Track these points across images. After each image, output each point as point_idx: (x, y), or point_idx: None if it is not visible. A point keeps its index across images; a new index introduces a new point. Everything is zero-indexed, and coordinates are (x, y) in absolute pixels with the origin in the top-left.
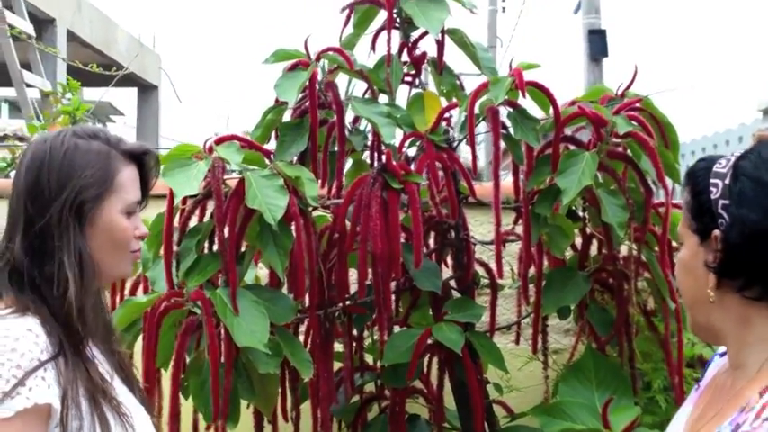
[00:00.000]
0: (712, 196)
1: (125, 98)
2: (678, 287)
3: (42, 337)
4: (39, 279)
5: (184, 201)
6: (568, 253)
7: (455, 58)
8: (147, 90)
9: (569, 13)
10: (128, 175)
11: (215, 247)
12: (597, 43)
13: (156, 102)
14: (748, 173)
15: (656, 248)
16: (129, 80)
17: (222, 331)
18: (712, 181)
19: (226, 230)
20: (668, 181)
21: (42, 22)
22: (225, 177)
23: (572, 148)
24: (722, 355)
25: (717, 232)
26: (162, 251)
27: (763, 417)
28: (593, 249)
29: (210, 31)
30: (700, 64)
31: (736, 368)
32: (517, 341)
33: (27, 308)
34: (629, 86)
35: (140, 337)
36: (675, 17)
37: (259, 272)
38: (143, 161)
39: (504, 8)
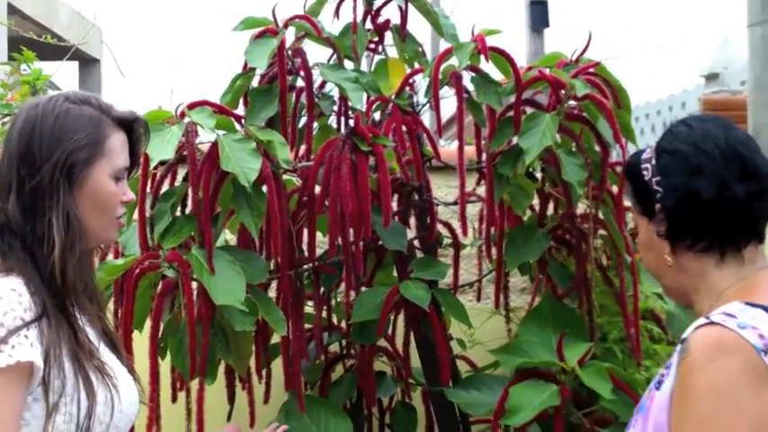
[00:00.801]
0: (646, 178)
1: (66, 73)
2: (645, 267)
3: (26, 297)
4: (30, 238)
5: (156, 166)
6: (527, 212)
7: (418, 26)
8: (88, 64)
9: None
10: (117, 141)
11: (188, 210)
12: (538, 14)
13: (98, 76)
14: (665, 148)
15: (613, 207)
16: (71, 54)
17: (198, 291)
18: (643, 166)
19: (200, 193)
20: (624, 141)
21: None
22: (197, 142)
23: (532, 110)
24: None
25: (658, 205)
26: (135, 215)
27: (667, 364)
28: (551, 209)
29: (153, 3)
30: (644, 31)
31: (698, 316)
32: (478, 298)
33: (12, 268)
34: (583, 52)
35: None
36: None
37: (226, 236)
38: (132, 128)
39: None
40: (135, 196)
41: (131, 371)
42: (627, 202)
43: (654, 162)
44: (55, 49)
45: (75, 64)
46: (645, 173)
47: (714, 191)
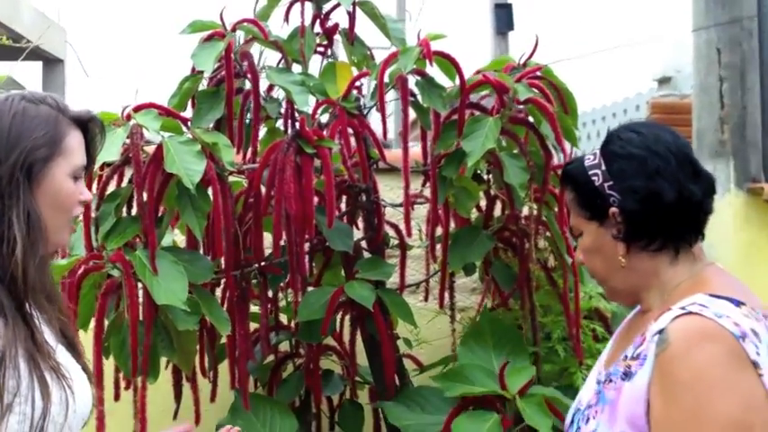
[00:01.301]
0: (596, 184)
1: (29, 73)
2: (590, 271)
3: None
4: None
5: (102, 168)
6: (474, 214)
7: (367, 30)
8: (52, 64)
9: None
10: (74, 140)
11: (134, 212)
12: (503, 17)
13: (61, 76)
14: (618, 153)
15: (555, 208)
16: (34, 54)
17: (141, 291)
18: (591, 173)
19: (144, 195)
20: (567, 144)
21: None
22: (141, 144)
23: (477, 114)
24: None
25: (613, 209)
26: (80, 217)
27: (651, 334)
28: (498, 211)
29: (118, 3)
30: (605, 35)
31: (645, 312)
32: (426, 298)
33: None
34: (530, 56)
35: None
36: None
37: (176, 237)
38: (87, 127)
39: None
40: (89, 197)
41: (86, 371)
42: (570, 220)
43: (604, 167)
44: (17, 49)
45: (39, 64)
46: (595, 178)
47: (674, 192)
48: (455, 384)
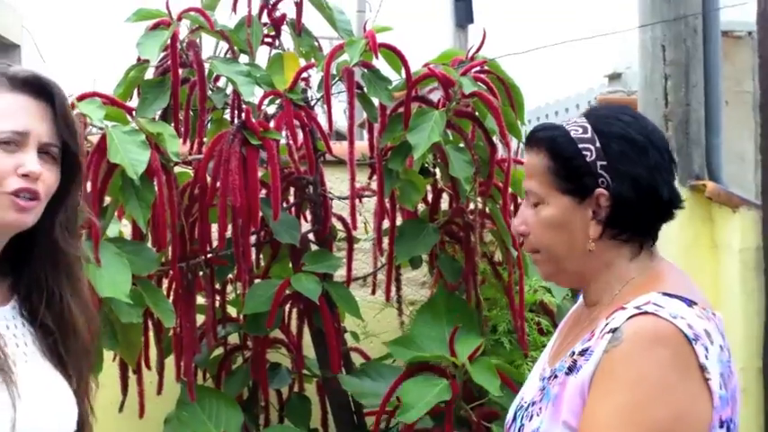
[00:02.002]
0: (587, 159)
1: None
2: (540, 243)
3: None
4: None
5: None
6: (422, 207)
7: (318, 22)
8: (8, 49)
9: None
10: (4, 102)
11: None
12: (463, 10)
13: (17, 61)
14: (619, 134)
15: (500, 202)
16: None
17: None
18: (581, 146)
19: (88, 185)
20: (512, 139)
21: None
22: (86, 134)
23: (423, 107)
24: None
25: (601, 190)
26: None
27: (603, 333)
28: (446, 204)
29: None
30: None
31: (592, 305)
32: (373, 291)
33: None
34: (478, 50)
35: None
36: None
37: (123, 228)
38: (47, 92)
39: None
40: (32, 168)
41: (70, 366)
42: (528, 185)
43: (599, 145)
44: None
45: None
46: (587, 153)
47: (667, 189)
48: (405, 350)
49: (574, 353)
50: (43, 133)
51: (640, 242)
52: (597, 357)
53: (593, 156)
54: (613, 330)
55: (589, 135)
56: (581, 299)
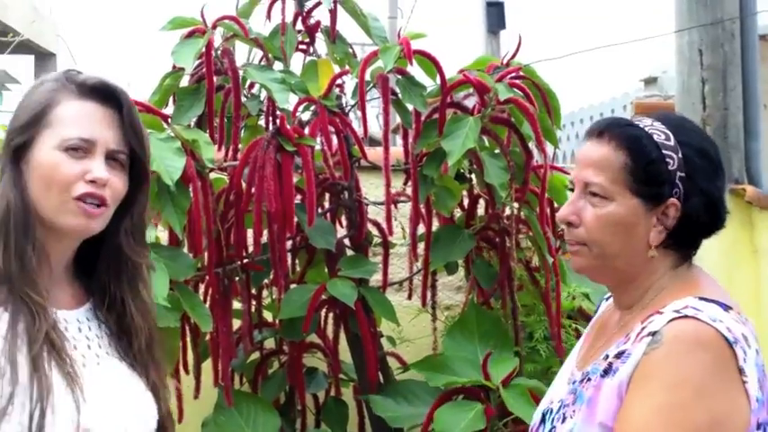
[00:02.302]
0: (670, 167)
1: (21, 66)
2: (592, 238)
3: None
4: None
5: None
6: (458, 212)
7: (352, 28)
8: (44, 58)
9: None
10: (72, 109)
11: None
12: (495, 15)
13: (53, 69)
14: (700, 150)
15: (537, 208)
16: (26, 47)
17: None
18: (666, 152)
19: None
20: (548, 145)
21: None
22: None
23: (458, 113)
24: (607, 298)
25: (674, 201)
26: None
27: (641, 336)
28: (482, 210)
29: None
30: (597, 33)
31: (624, 308)
32: (409, 296)
33: None
34: (513, 56)
35: None
36: None
37: (160, 234)
38: (115, 99)
39: None
40: (100, 174)
41: (142, 367)
42: (595, 178)
43: (680, 155)
44: (8, 43)
45: (31, 58)
46: (669, 161)
47: (724, 209)
48: (438, 375)
49: (608, 356)
50: (111, 140)
51: (684, 253)
52: (636, 359)
53: (675, 165)
54: (652, 333)
55: (672, 143)
56: (605, 303)
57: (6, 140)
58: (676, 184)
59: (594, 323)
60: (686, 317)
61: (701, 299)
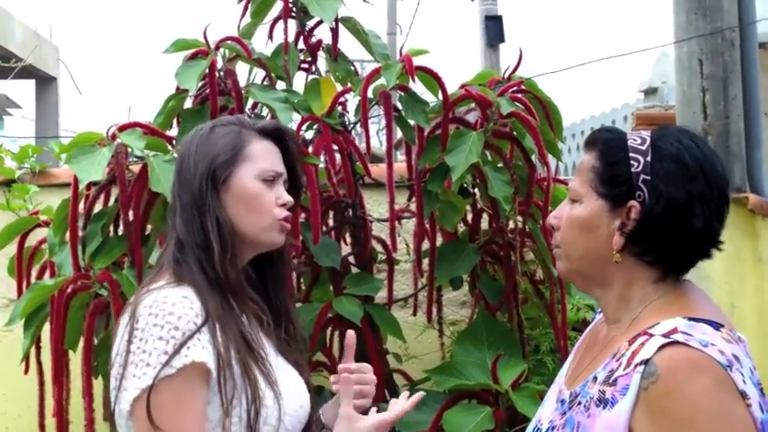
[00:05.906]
0: (633, 169)
1: (23, 91)
2: (562, 239)
3: (197, 303)
4: (196, 248)
5: (89, 187)
6: (462, 227)
7: (353, 45)
8: (45, 82)
9: (467, 0)
10: (260, 147)
11: (120, 231)
12: (493, 29)
13: (54, 94)
14: (671, 154)
15: (541, 221)
16: (27, 72)
17: None
18: (632, 155)
19: (130, 214)
20: (550, 158)
21: None
22: (128, 163)
23: (461, 128)
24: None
25: (634, 203)
26: (68, 236)
27: (634, 363)
28: (486, 224)
29: (110, 21)
30: (596, 45)
31: (612, 323)
32: (414, 312)
33: (182, 278)
34: (515, 69)
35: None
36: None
37: None
38: (281, 138)
39: None
40: (289, 199)
41: (300, 368)
42: (572, 182)
43: (650, 158)
44: (10, 68)
45: (32, 82)
46: (634, 163)
47: (701, 222)
48: (447, 378)
49: (597, 379)
50: (283, 170)
51: (665, 270)
52: (633, 394)
53: (640, 167)
54: (645, 362)
55: (644, 147)
56: (598, 316)
57: (207, 172)
58: (639, 186)
59: (586, 336)
60: (676, 343)
61: (690, 319)
